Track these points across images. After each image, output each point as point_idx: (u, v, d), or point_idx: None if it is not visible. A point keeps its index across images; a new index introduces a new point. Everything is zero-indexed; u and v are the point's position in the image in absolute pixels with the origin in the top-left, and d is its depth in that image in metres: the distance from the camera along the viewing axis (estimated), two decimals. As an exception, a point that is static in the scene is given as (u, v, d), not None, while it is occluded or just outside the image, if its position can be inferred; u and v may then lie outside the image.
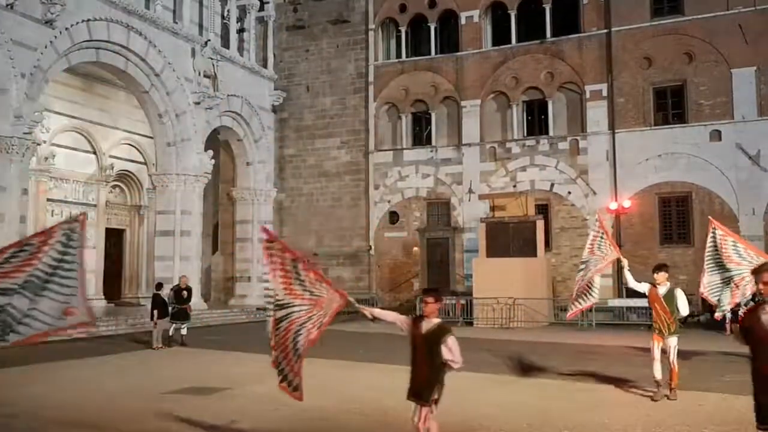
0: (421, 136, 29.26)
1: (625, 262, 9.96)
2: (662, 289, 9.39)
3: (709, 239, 10.25)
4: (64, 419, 8.27)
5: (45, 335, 6.56)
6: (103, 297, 26.71)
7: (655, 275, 9.48)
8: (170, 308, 16.84)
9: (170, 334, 16.75)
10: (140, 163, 29.36)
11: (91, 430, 7.85)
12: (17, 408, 8.80)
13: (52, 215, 25.51)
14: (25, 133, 18.73)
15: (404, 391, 5.80)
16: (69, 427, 7.94)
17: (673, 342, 9.30)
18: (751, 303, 7.30)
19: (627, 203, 24.97)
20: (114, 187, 28.74)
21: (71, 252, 6.18)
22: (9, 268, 6.13)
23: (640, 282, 9.78)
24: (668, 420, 8.11)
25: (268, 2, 30.20)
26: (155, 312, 16.45)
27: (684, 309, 9.38)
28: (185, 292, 17.32)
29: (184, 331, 17.05)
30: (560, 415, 8.41)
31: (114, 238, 28.69)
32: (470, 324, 22.63)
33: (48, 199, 25.06)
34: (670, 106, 25.27)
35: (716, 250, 10.03)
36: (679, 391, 9.43)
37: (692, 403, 9.12)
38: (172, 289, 17.52)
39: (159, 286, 17.41)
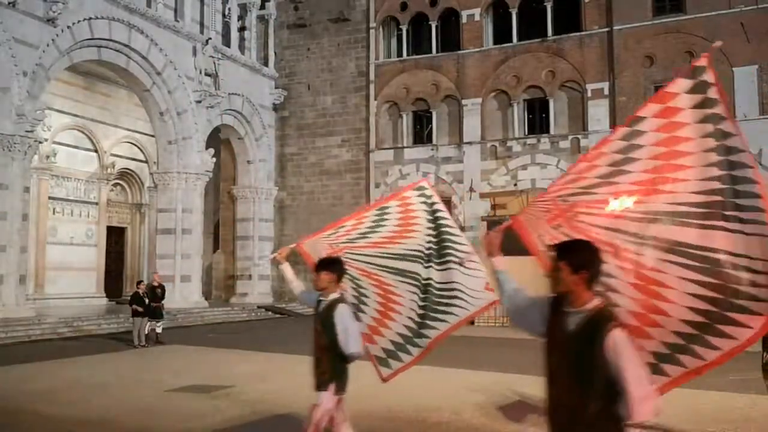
0: (422, 135, 29.24)
1: (285, 253, 5.76)
2: (323, 303, 5.04)
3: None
4: (72, 417, 8.28)
5: (464, 322, 5.45)
6: (104, 295, 26.80)
7: (316, 278, 5.07)
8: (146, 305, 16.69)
9: (146, 332, 16.59)
10: (141, 161, 29.45)
11: (97, 427, 7.87)
12: (19, 406, 8.82)
13: (54, 213, 25.58)
14: (27, 132, 18.80)
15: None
16: (76, 424, 7.95)
17: (323, 397, 4.94)
18: None
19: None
20: (115, 185, 28.82)
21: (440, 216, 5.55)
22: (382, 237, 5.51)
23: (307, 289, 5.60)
24: (671, 420, 8.11)
25: (269, 0, 30.26)
26: (136, 309, 16.43)
27: (349, 343, 4.85)
28: (159, 290, 17.26)
29: (159, 329, 16.96)
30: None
31: (115, 236, 28.77)
32: (471, 323, 22.69)
33: (50, 197, 25.14)
34: (672, 105, 25.25)
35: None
36: (680, 390, 9.25)
37: (695, 402, 9.11)
38: (148, 287, 17.37)
39: (139, 283, 17.76)
